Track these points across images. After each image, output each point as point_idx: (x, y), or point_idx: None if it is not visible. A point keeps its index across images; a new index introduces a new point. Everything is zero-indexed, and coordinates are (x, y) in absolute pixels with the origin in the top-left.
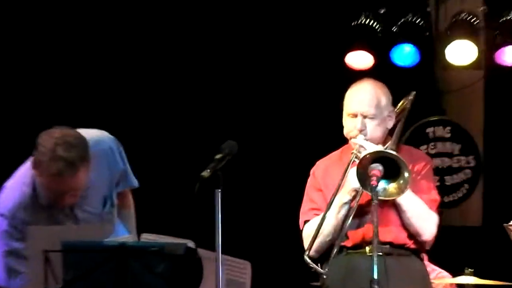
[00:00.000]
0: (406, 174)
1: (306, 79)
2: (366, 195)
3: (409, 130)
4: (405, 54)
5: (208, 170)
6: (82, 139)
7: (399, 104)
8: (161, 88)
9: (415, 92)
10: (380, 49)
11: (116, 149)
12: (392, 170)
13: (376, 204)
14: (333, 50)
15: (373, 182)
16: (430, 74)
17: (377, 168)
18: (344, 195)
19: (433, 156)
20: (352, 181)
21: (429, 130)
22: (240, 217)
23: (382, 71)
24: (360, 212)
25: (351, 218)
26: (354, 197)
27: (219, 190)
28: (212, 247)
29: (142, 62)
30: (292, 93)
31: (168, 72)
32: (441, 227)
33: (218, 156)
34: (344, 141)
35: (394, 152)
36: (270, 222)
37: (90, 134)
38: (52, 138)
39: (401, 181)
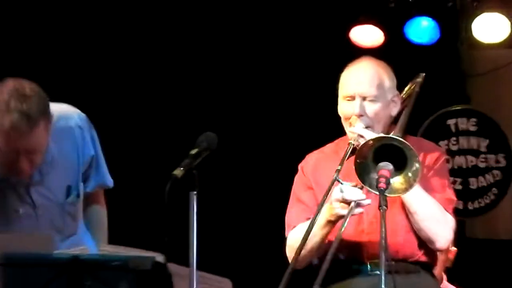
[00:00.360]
0: (416, 165)
1: (301, 57)
2: (367, 195)
3: (426, 122)
4: (422, 30)
5: (182, 168)
6: (41, 93)
7: (406, 89)
8: (131, 78)
9: (424, 74)
10: (392, 23)
11: (87, 130)
12: (398, 162)
13: (385, 211)
14: (334, 24)
15: (382, 185)
16: (452, 54)
17: (386, 168)
18: (334, 205)
19: (455, 153)
20: (347, 189)
21: (451, 122)
22: (219, 225)
23: (394, 50)
24: (358, 216)
25: (345, 225)
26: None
27: (195, 192)
28: (185, 262)
29: (109, 57)
30: (281, 74)
31: (134, 61)
32: (464, 240)
33: (193, 152)
34: (341, 133)
35: (400, 138)
36: (255, 231)
37: (58, 107)
38: (4, 90)
39: (409, 174)
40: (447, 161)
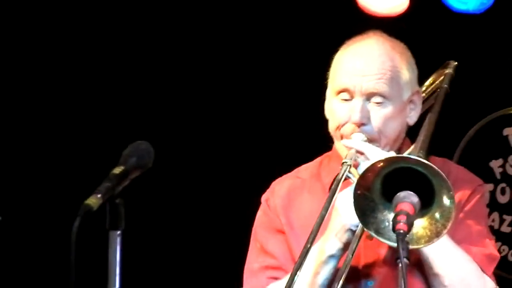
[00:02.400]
0: (447, 203)
1: (277, 31)
2: (367, 240)
3: (471, 132)
4: None
5: (99, 196)
6: None
7: (428, 82)
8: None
9: (456, 63)
10: None
11: None
12: (419, 196)
13: (407, 265)
14: None
15: (401, 227)
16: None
17: (408, 200)
18: (330, 241)
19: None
20: (345, 214)
21: (509, 131)
22: (151, 274)
23: (424, 21)
24: (359, 272)
25: (341, 281)
26: (347, 244)
27: (118, 232)
28: None
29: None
30: (247, 54)
31: None
32: None
33: (117, 171)
34: (325, 147)
35: (425, 160)
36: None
37: None
38: None
39: (437, 215)
40: (485, 195)
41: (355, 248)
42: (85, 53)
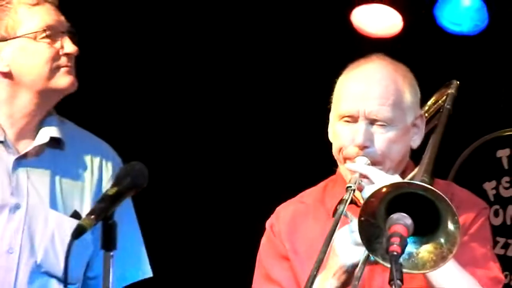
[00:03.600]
0: (452, 228)
1: (276, 51)
2: (373, 270)
3: (464, 154)
4: (461, 12)
5: (92, 216)
6: None
7: (430, 102)
8: None
9: (457, 82)
10: (416, 2)
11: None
12: (424, 220)
13: (400, 286)
14: (330, 3)
15: (395, 249)
16: (507, 49)
17: (401, 222)
18: (329, 281)
19: (508, 201)
20: (342, 254)
21: (502, 153)
22: None
23: (418, 43)
24: None
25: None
26: (346, 283)
27: (111, 253)
28: None
29: None
30: (249, 76)
31: None
32: None
33: (111, 192)
34: (330, 171)
35: (429, 186)
36: None
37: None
38: None
39: (442, 240)
40: (489, 217)
41: (360, 276)
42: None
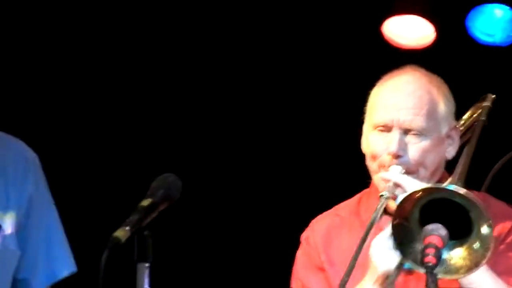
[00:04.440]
0: (486, 231)
1: (309, 63)
2: (408, 278)
3: (498, 165)
4: (494, 23)
5: (127, 228)
6: None
7: (465, 116)
8: None
9: (494, 96)
10: (448, 12)
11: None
12: (458, 227)
13: None
14: (361, 15)
15: (430, 259)
16: None
17: (436, 233)
18: (373, 286)
19: None
20: (380, 259)
21: None
22: None
23: (451, 54)
24: None
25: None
26: (384, 283)
27: (147, 264)
28: None
29: None
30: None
31: None
32: None
33: (145, 203)
34: (364, 184)
35: (463, 190)
36: None
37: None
38: None
39: (475, 245)
40: None
41: (393, 281)
42: (109, 76)
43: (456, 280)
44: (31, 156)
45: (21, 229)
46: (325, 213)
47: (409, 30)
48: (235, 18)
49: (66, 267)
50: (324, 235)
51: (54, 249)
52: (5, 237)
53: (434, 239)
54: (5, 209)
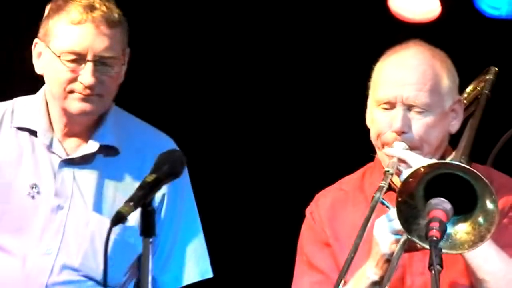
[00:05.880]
0: (490, 207)
1: (318, 40)
2: (413, 254)
3: (504, 138)
4: None
5: (131, 204)
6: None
7: (468, 89)
8: None
9: (496, 69)
10: None
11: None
12: (462, 202)
13: (438, 273)
14: None
15: (434, 233)
16: None
17: (440, 207)
18: (372, 270)
19: None
20: (382, 243)
21: None
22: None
23: (457, 27)
24: (399, 280)
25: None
26: (387, 263)
27: (150, 239)
28: None
29: None
30: (288, 65)
31: None
32: None
33: (149, 179)
34: (368, 156)
35: (467, 166)
36: None
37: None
38: None
39: (480, 220)
40: None
41: (397, 261)
42: None
43: (461, 256)
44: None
45: None
46: (329, 187)
47: (415, 4)
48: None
49: (200, 274)
50: (329, 210)
51: (189, 253)
52: (126, 228)
53: (438, 213)
54: None
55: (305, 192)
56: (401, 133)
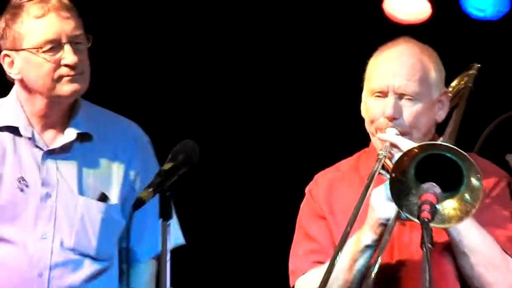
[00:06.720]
0: (476, 182)
1: (317, 39)
2: (402, 228)
3: (489, 128)
4: None
5: (150, 190)
6: None
7: (453, 83)
8: None
9: (479, 65)
10: None
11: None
12: (449, 180)
13: (430, 250)
14: None
15: (425, 215)
16: None
17: (431, 191)
18: (366, 234)
19: None
20: (379, 207)
21: None
22: (199, 263)
23: (445, 28)
24: (391, 260)
25: (376, 269)
26: (381, 235)
27: (168, 222)
28: None
29: None
30: (289, 60)
31: None
32: None
33: (166, 167)
34: (364, 142)
35: (455, 147)
36: (246, 272)
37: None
38: None
39: (466, 196)
40: (510, 185)
41: (391, 230)
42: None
43: (445, 232)
44: (142, 136)
45: (127, 201)
46: (327, 169)
47: (407, 6)
48: None
49: (174, 240)
50: (326, 188)
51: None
52: (110, 206)
53: (429, 197)
54: (111, 182)
55: (307, 173)
56: (392, 119)
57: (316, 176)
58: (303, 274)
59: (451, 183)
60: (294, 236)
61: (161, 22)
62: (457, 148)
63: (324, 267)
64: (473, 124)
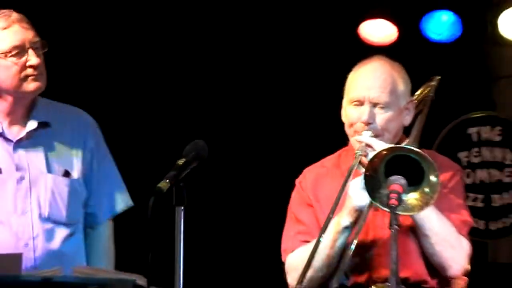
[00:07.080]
0: (434, 179)
1: (302, 54)
2: (375, 214)
3: (444, 131)
4: (441, 25)
5: (167, 181)
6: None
7: (418, 93)
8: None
9: (439, 77)
10: (407, 17)
11: (98, 133)
12: (413, 176)
13: (397, 231)
14: (342, 18)
15: (393, 202)
16: (476, 53)
17: (397, 182)
18: (344, 218)
19: (476, 166)
20: (355, 196)
21: (472, 130)
22: (208, 244)
23: (409, 48)
24: (366, 239)
25: (353, 247)
26: (357, 219)
27: (182, 207)
28: (170, 285)
29: None
30: (279, 73)
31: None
32: (485, 265)
33: (180, 162)
34: (343, 143)
35: (417, 149)
36: (247, 251)
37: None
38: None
39: (426, 189)
40: (463, 177)
41: (363, 220)
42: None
43: (410, 217)
44: (91, 120)
45: (86, 175)
46: (313, 164)
47: (378, 31)
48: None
49: (124, 202)
50: (313, 180)
51: (113, 190)
52: (73, 181)
53: (396, 187)
54: (72, 160)
55: (296, 168)
56: (367, 123)
57: (304, 171)
58: (293, 251)
59: (414, 179)
60: (286, 220)
61: (170, 25)
62: (418, 150)
63: (310, 245)
64: (434, 126)
